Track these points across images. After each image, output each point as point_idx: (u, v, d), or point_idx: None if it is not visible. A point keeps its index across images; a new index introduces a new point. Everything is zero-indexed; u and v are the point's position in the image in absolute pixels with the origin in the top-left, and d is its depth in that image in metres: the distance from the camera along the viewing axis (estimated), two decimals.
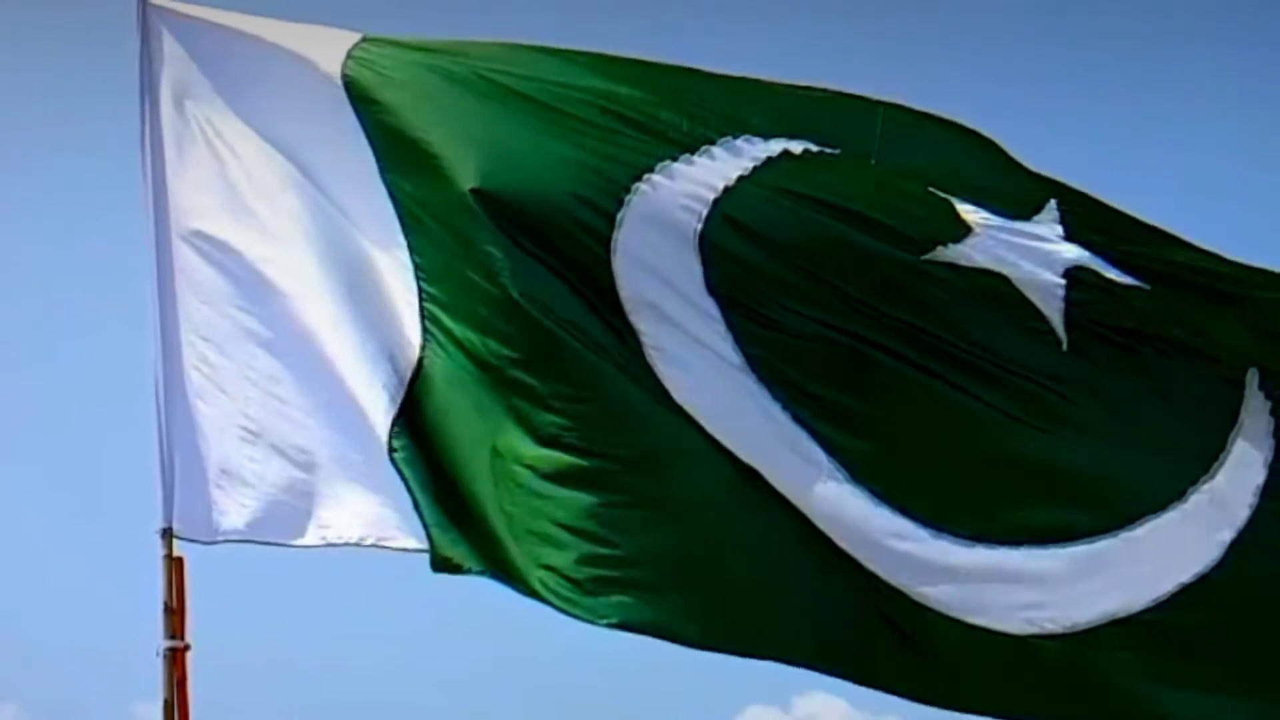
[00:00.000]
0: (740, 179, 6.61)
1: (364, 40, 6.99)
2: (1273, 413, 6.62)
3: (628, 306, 6.61)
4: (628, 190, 6.59)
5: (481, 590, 6.87)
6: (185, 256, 7.18)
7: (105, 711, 16.00)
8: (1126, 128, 19.29)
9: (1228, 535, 6.55)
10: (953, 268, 6.57)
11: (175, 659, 6.83)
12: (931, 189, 6.62)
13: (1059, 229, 6.63)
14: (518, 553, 6.59)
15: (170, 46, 7.20)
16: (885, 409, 6.62)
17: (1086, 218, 6.66)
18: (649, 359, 6.63)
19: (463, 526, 6.72)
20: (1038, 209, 6.67)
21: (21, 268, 18.27)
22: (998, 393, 6.61)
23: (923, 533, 6.54)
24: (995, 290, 6.58)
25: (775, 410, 6.54)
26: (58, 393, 17.80)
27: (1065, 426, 6.62)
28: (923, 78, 18.70)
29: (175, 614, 6.86)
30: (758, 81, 6.80)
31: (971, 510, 6.59)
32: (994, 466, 6.62)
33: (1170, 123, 19.07)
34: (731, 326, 6.59)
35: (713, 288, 6.59)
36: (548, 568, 6.55)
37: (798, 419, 6.56)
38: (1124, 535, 6.56)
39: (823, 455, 6.55)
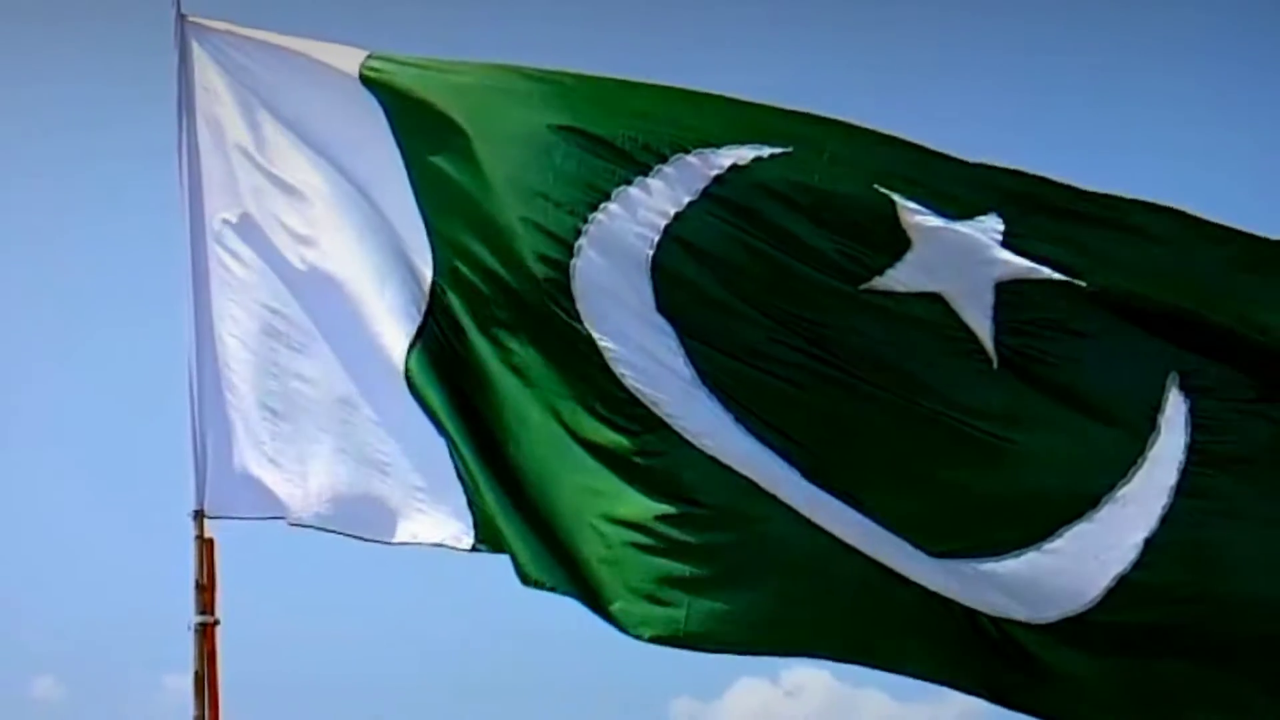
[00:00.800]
0: (690, 204, 6.63)
1: (370, 57, 7.04)
2: (1190, 411, 6.50)
3: (588, 324, 6.67)
4: (585, 220, 6.64)
5: (502, 571, 6.93)
6: (218, 256, 7.24)
7: (138, 683, 16.07)
8: (1107, 133, 19.30)
9: (1141, 536, 6.46)
10: (890, 295, 6.54)
11: (206, 634, 6.90)
12: (876, 186, 6.55)
13: (999, 231, 6.52)
14: (603, 577, 6.68)
15: (204, 57, 7.25)
16: (820, 429, 6.61)
17: (1031, 224, 6.57)
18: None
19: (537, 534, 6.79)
20: (984, 209, 6.56)
21: (67, 264, 18.39)
22: (930, 418, 6.56)
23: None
24: (930, 316, 6.53)
25: (729, 421, 6.59)
26: (98, 384, 17.85)
27: (991, 446, 6.54)
28: (907, 85, 18.79)
29: (206, 591, 6.93)
30: (715, 95, 6.80)
31: (908, 529, 6.56)
32: (925, 488, 6.58)
33: (1149, 129, 19.09)
34: (682, 343, 6.62)
35: (662, 307, 6.63)
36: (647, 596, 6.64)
37: (751, 431, 6.59)
38: (1045, 547, 6.49)
39: (783, 463, 6.58)
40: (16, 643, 16.11)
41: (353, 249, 7.06)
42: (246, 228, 7.22)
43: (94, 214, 18.02)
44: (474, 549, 6.91)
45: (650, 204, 6.65)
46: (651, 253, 6.63)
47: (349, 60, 7.05)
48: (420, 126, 6.96)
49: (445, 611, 14.46)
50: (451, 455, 6.88)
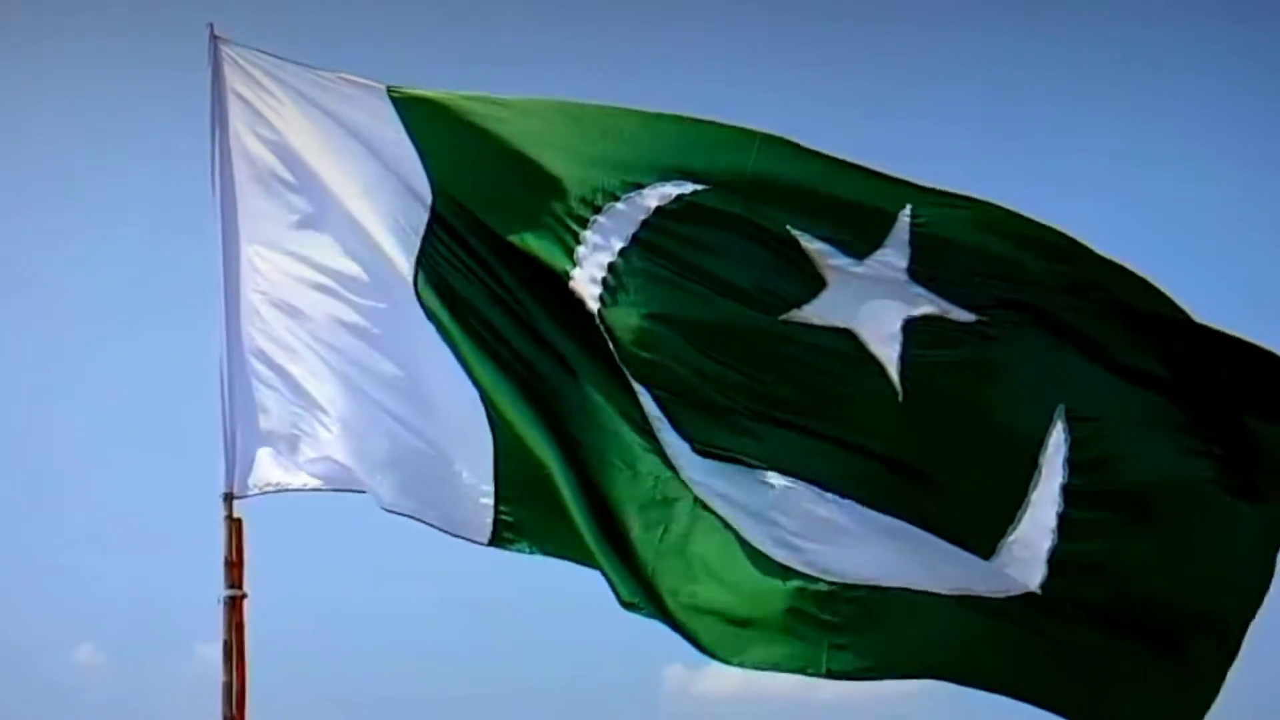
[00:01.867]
0: (622, 250, 6.65)
1: (388, 89, 7.09)
2: (1070, 449, 6.41)
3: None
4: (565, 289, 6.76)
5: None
6: (247, 257, 7.27)
7: (171, 652, 16.07)
8: (1071, 139, 19.37)
9: (1037, 581, 6.43)
10: (807, 327, 6.54)
11: (234, 606, 6.94)
12: (790, 228, 6.53)
13: (906, 257, 6.47)
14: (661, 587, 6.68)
15: (233, 70, 7.28)
16: (778, 455, 6.63)
17: (938, 229, 6.47)
18: None
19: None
20: (892, 220, 6.48)
21: (108, 265, 18.48)
22: (841, 453, 6.56)
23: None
24: (843, 350, 6.51)
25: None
26: (139, 376, 17.92)
27: (898, 489, 6.52)
28: (888, 95, 18.84)
29: (234, 566, 6.97)
30: (638, 114, 6.79)
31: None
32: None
33: (1110, 136, 19.15)
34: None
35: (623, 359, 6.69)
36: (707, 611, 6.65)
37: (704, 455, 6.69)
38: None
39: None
40: (61, 613, 16.19)
41: (371, 253, 7.09)
42: (275, 227, 7.26)
43: (136, 216, 18.09)
44: (491, 544, 6.97)
45: (593, 258, 6.69)
46: (598, 307, 6.69)
47: (371, 83, 7.11)
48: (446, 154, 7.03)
49: (449, 582, 14.49)
50: (496, 450, 6.90)
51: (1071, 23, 18.79)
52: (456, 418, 6.98)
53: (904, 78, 19.18)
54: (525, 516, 6.92)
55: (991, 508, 6.48)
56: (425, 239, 6.95)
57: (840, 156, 6.57)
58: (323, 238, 7.19)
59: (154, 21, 16.25)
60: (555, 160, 6.80)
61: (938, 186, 6.54)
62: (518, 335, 6.87)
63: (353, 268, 7.11)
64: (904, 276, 6.47)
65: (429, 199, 6.98)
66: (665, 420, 6.67)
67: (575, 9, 18.93)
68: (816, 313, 6.53)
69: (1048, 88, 19.11)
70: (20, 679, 15.07)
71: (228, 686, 6.86)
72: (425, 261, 6.94)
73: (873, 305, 6.47)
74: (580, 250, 6.70)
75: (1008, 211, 6.50)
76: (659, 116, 6.74)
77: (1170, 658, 6.46)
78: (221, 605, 6.94)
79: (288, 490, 7.16)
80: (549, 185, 6.78)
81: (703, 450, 6.66)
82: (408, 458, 7.02)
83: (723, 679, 15.51)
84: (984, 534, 6.49)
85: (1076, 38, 18.83)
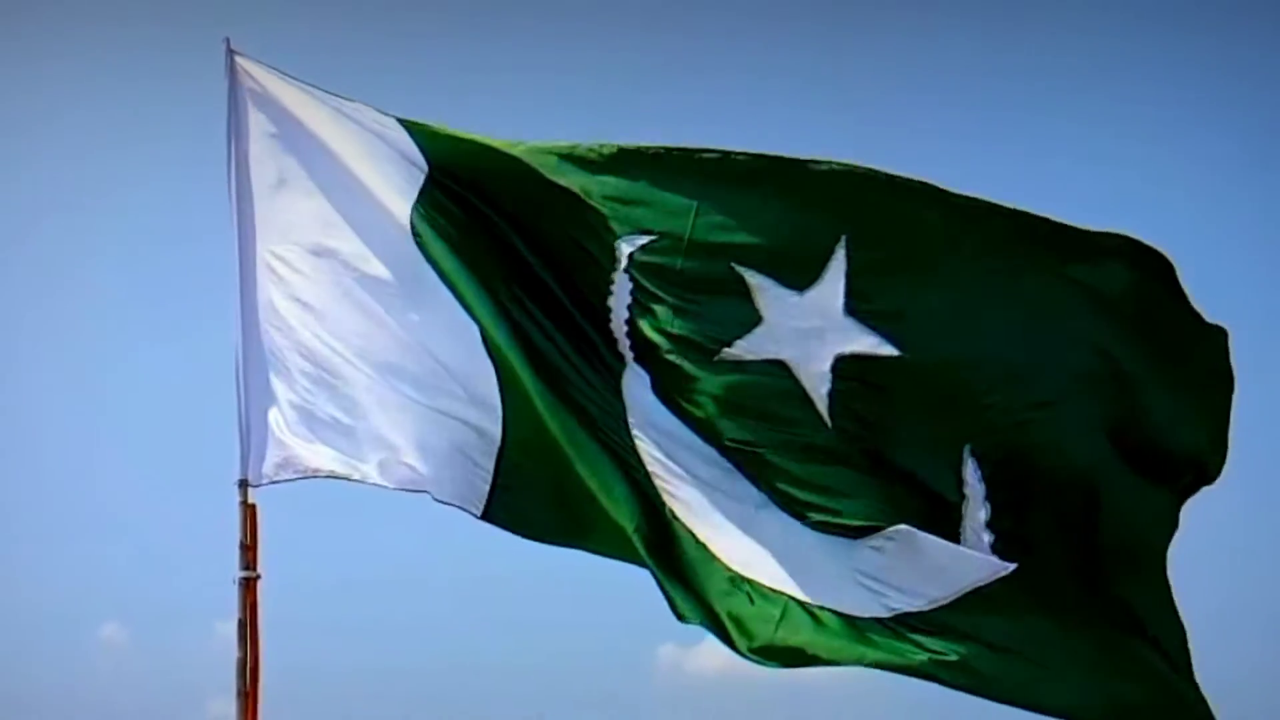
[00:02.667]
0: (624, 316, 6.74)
1: (399, 120, 7.18)
2: (986, 489, 6.41)
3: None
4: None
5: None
6: (262, 257, 7.34)
7: (191, 629, 16.20)
8: (1048, 143, 19.47)
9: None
10: (740, 364, 6.57)
11: (249, 587, 7.02)
12: (733, 265, 6.56)
13: (842, 292, 6.50)
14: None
15: (249, 83, 7.34)
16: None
17: (872, 259, 6.46)
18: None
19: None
20: (829, 254, 6.50)
21: (129, 266, 18.59)
22: (772, 485, 6.61)
23: None
24: (775, 385, 6.52)
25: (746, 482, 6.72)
26: (158, 373, 18.04)
27: (830, 515, 6.54)
28: (876, 100, 18.90)
29: (249, 549, 7.04)
30: (599, 173, 6.78)
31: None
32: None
33: (1086, 141, 19.26)
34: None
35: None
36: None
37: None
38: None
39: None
40: (88, 592, 16.35)
41: (377, 252, 7.18)
42: (289, 228, 7.33)
43: (156, 220, 18.21)
44: (484, 518, 7.03)
45: (614, 311, 6.80)
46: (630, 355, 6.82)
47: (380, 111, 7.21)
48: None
49: (453, 563, 14.59)
50: (504, 437, 6.95)
51: (1056, 36, 18.96)
52: (468, 390, 7.02)
53: (893, 86, 19.31)
54: (521, 498, 6.97)
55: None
56: (421, 196, 7.02)
57: (789, 155, 6.57)
58: (336, 236, 7.26)
59: (173, 36, 16.41)
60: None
61: (881, 170, 6.51)
62: (516, 302, 6.93)
63: (367, 260, 7.19)
64: (840, 310, 6.49)
65: (426, 170, 7.05)
66: (750, 482, 6.68)
67: (576, 21, 19.02)
68: (750, 348, 6.56)
69: (1031, 96, 19.27)
70: (48, 655, 15.28)
71: (241, 662, 6.93)
72: (422, 212, 7.02)
73: (805, 340, 6.49)
74: (612, 291, 6.80)
75: (934, 190, 6.46)
76: (613, 164, 6.75)
77: (1146, 643, 6.47)
78: (237, 586, 7.00)
79: (299, 477, 7.22)
80: (568, 219, 6.84)
81: (783, 505, 6.66)
82: (417, 433, 7.06)
83: (713, 658, 15.60)
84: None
85: (1060, 48, 18.98)
